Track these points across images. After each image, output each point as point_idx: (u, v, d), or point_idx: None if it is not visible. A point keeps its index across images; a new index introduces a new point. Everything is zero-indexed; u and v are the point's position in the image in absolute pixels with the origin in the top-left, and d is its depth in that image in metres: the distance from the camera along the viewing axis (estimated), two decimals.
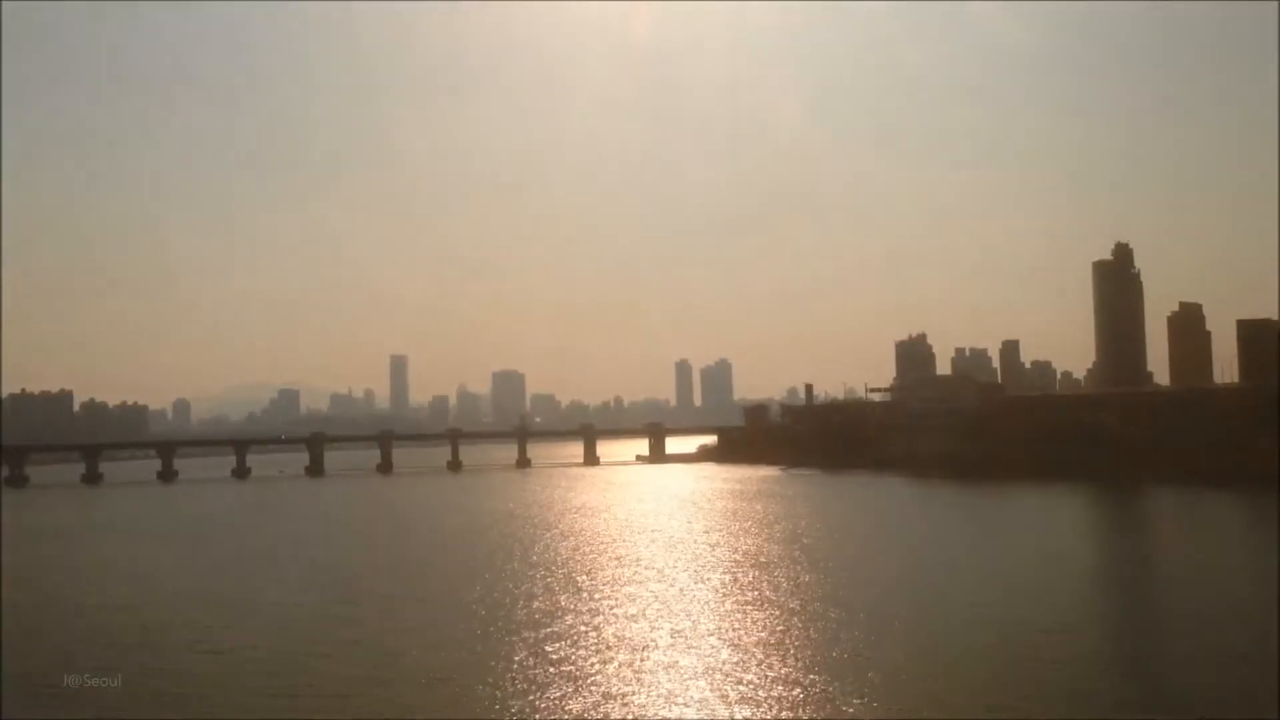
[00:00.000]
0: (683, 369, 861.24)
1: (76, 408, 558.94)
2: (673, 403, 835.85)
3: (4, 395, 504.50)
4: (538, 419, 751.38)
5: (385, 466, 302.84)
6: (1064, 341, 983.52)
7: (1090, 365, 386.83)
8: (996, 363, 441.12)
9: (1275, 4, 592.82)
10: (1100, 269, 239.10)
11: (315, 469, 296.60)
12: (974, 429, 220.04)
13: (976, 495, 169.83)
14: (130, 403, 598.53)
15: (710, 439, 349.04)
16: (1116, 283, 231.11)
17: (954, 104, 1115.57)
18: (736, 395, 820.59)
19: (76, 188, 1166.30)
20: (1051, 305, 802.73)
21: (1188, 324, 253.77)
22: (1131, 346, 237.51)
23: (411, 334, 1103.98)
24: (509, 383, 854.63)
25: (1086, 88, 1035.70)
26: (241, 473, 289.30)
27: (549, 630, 64.82)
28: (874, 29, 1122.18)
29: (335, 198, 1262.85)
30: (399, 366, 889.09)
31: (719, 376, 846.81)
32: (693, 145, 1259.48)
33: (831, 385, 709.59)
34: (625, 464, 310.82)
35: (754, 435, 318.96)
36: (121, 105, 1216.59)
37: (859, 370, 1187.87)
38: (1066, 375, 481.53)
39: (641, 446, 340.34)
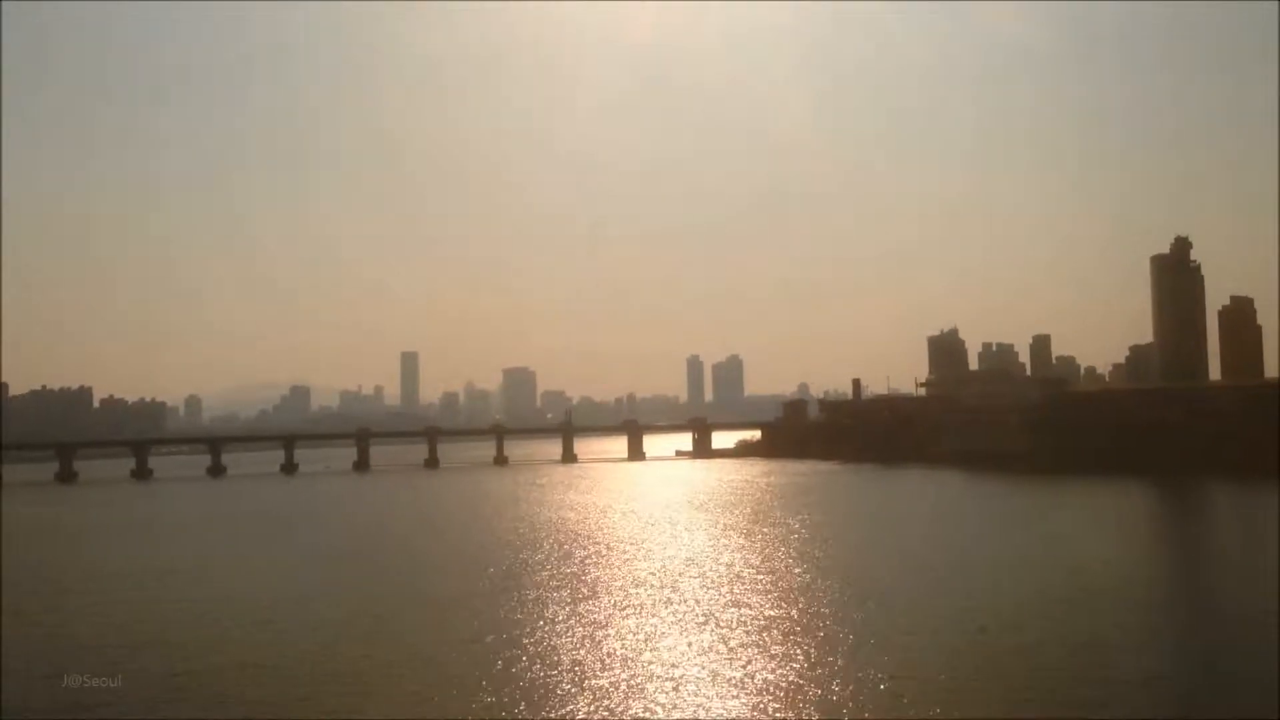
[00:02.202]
0: (694, 365, 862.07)
1: (96, 404, 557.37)
2: (683, 399, 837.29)
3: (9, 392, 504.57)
4: (549, 415, 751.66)
5: (432, 462, 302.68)
6: (1084, 337, 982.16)
7: (1124, 359, 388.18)
8: (1023, 357, 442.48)
9: (1275, 3, 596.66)
10: (1158, 263, 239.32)
11: (362, 465, 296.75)
12: (1039, 424, 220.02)
13: (1060, 491, 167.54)
14: (148, 399, 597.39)
15: (747, 434, 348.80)
16: (1175, 277, 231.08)
17: (957, 101, 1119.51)
18: (747, 391, 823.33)
19: (80, 186, 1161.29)
20: (1072, 302, 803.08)
21: (1239, 318, 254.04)
22: (1192, 340, 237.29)
23: (417, 332, 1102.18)
24: (519, 379, 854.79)
25: (1094, 84, 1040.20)
26: (290, 468, 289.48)
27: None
28: (875, 27, 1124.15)
29: (341, 196, 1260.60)
30: (410, 363, 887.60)
31: (730, 372, 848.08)
32: (696, 143, 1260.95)
33: (840, 382, 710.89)
34: (668, 459, 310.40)
35: (799, 430, 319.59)
36: (125, 104, 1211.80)
37: (867, 366, 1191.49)
38: (1090, 370, 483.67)
39: (677, 442, 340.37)
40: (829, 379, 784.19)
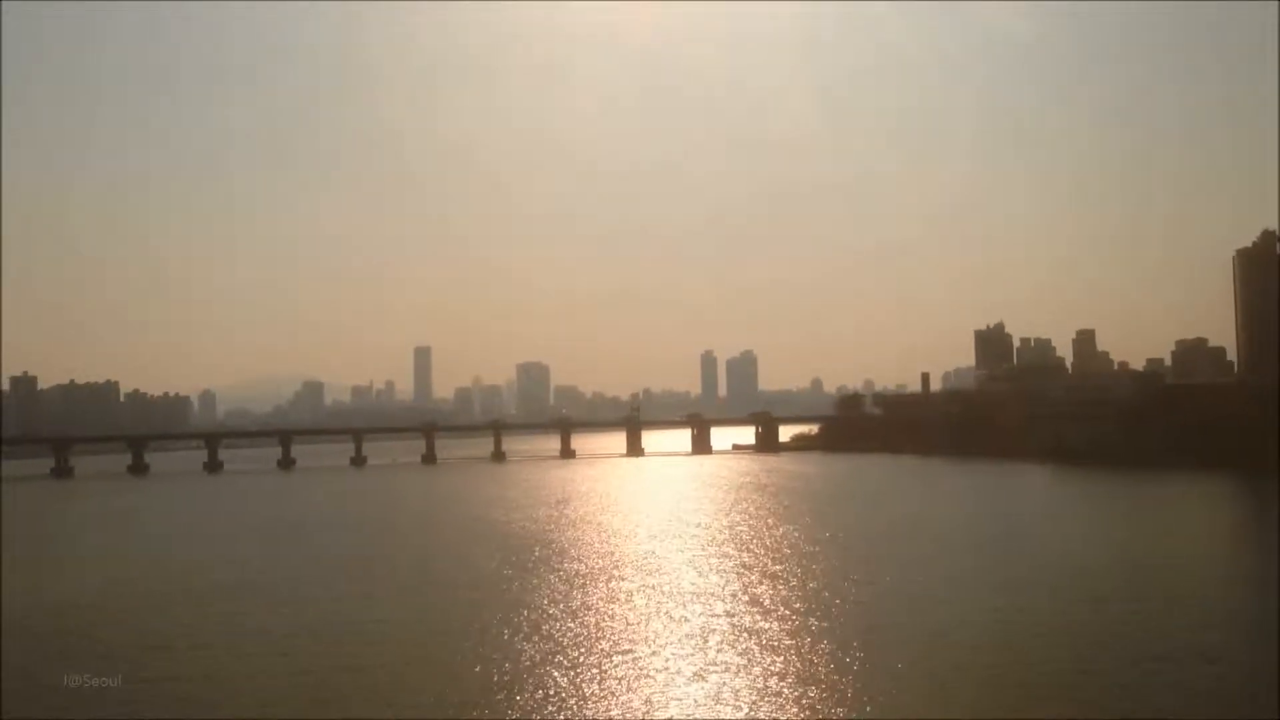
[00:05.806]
0: (708, 360, 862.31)
1: (122, 399, 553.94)
2: (695, 393, 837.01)
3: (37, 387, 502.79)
4: (563, 410, 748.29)
5: (498, 455, 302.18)
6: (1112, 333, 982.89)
7: (1169, 353, 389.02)
8: (1060, 352, 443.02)
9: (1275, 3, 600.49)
10: (1243, 256, 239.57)
11: (430, 458, 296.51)
12: (1130, 418, 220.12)
13: (1186, 486, 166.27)
14: (173, 394, 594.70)
15: (802, 428, 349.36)
16: (1264, 271, 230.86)
17: (958, 98, 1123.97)
18: (759, 387, 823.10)
19: (85, 185, 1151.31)
20: (1091, 299, 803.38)
21: None
22: None
23: (428, 327, 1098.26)
24: (533, 374, 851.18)
25: (1093, 80, 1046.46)
26: (359, 461, 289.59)
27: None
28: (876, 24, 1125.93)
29: (349, 192, 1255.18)
30: (423, 358, 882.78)
31: (744, 368, 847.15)
32: (699, 140, 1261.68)
33: (851, 377, 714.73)
34: (727, 454, 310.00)
35: (859, 424, 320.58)
36: (127, 101, 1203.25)
37: (875, 363, 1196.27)
38: (1123, 365, 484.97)
39: (733, 435, 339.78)
40: (842, 376, 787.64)
